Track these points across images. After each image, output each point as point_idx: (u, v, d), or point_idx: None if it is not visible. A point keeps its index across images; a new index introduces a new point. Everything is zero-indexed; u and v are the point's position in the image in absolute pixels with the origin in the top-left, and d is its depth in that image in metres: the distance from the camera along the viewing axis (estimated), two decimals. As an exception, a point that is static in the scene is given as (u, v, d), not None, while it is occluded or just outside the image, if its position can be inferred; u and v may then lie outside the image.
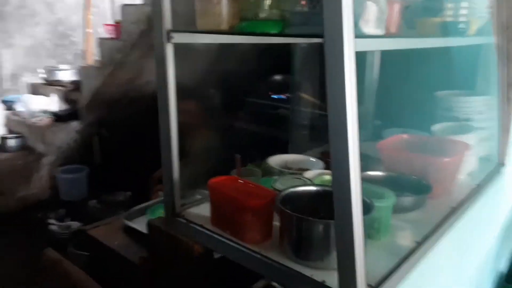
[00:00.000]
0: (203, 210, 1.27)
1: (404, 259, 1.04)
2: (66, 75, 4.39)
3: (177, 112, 2.57)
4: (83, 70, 3.94)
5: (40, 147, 3.86)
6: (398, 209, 1.21)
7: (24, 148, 3.91)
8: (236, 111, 3.46)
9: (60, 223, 3.16)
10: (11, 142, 3.84)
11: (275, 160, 1.61)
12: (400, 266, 1.01)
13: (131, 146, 3.61)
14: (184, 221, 1.23)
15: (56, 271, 1.08)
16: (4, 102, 4.17)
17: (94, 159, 3.96)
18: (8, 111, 4.10)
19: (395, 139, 1.61)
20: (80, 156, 3.97)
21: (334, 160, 0.83)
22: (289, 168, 1.53)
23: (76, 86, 4.10)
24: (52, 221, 3.20)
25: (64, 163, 3.88)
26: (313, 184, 1.26)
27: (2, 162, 3.68)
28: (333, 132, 0.82)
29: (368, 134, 1.99)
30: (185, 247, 1.24)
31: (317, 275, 0.97)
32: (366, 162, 1.48)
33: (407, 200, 1.29)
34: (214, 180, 1.21)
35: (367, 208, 1.04)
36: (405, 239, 1.17)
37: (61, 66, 4.48)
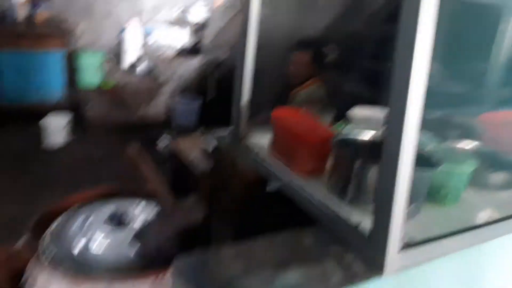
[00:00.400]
0: (264, 140, 1.28)
1: (454, 233, 0.93)
2: (197, 14, 4.66)
3: (287, 61, 2.55)
4: (211, 11, 4.15)
5: (163, 75, 4.24)
6: (487, 185, 1.14)
7: (151, 74, 4.34)
8: (350, 72, 3.34)
9: (166, 144, 3.50)
10: (141, 68, 4.28)
11: (359, 111, 1.53)
12: (443, 238, 0.90)
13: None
14: (245, 145, 1.25)
15: (133, 164, 1.19)
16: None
17: (207, 93, 4.23)
18: (143, 39, 4.55)
19: (505, 115, 1.40)
20: (195, 89, 4.28)
21: (392, 105, 0.76)
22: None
23: (203, 25, 4.35)
24: (161, 141, 3.55)
25: (181, 92, 4.23)
26: (374, 135, 1.17)
27: (131, 83, 4.15)
28: (396, 78, 0.75)
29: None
30: (241, 172, 1.28)
31: (354, 218, 0.92)
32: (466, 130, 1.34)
33: (498, 177, 1.13)
34: (279, 111, 1.20)
35: (428, 164, 0.94)
36: (473, 215, 1.03)
37: (194, 6, 4.76)
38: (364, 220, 0.89)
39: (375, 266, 0.84)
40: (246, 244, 0.87)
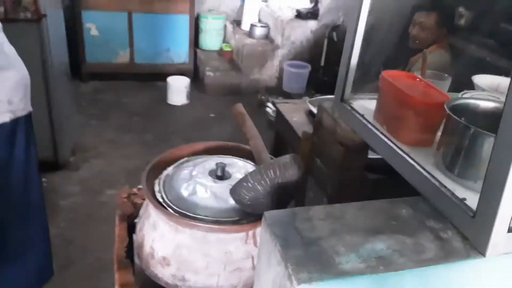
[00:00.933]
0: (371, 104, 1.22)
1: None
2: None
3: (408, 23, 2.35)
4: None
5: (278, 39, 4.26)
6: None
7: (266, 37, 4.40)
8: (480, 36, 2.95)
9: (273, 106, 3.57)
10: (258, 31, 4.36)
11: (484, 79, 1.36)
12: None
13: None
14: (349, 108, 1.21)
15: (238, 122, 1.25)
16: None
17: (319, 60, 4.15)
18: (262, 3, 4.59)
19: None
20: (308, 54, 4.23)
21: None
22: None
23: (321, -13, 4.21)
24: (269, 104, 3.64)
25: (293, 57, 4.22)
26: (497, 101, 1.02)
27: (247, 45, 4.26)
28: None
29: None
30: (343, 136, 1.24)
31: (459, 192, 0.84)
32: None
33: None
34: (389, 72, 1.12)
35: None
36: None
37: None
38: (470, 196, 0.81)
39: (478, 245, 0.76)
40: (338, 207, 0.85)
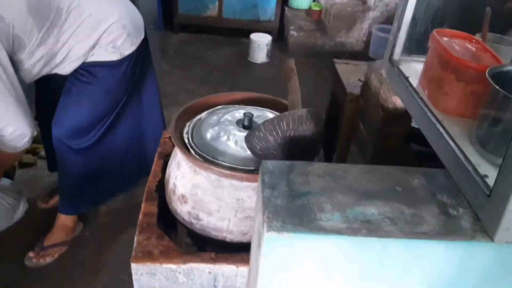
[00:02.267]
0: (420, 67, 1.10)
1: None
2: None
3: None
4: None
5: (370, 1, 3.99)
6: None
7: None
8: None
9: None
10: (350, -9, 4.10)
11: None
12: None
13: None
14: (396, 69, 1.11)
15: (286, 78, 1.23)
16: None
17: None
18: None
19: None
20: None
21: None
22: None
23: None
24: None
25: (385, 21, 3.93)
26: None
27: (337, 5, 4.06)
28: None
29: None
30: (385, 98, 1.15)
31: (483, 168, 0.74)
32: None
33: None
34: (444, 30, 1.00)
35: None
36: None
37: None
38: (494, 175, 0.71)
39: (488, 228, 0.67)
40: (342, 167, 0.81)
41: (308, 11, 4.42)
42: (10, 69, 1.36)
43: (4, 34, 1.32)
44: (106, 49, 1.54)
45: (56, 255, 1.86)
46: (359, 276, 0.69)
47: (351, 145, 1.39)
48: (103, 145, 1.75)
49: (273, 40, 4.01)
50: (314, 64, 3.99)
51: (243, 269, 1.02)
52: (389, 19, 3.93)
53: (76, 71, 1.56)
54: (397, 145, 1.17)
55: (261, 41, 3.88)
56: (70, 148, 1.66)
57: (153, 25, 3.14)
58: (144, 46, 1.69)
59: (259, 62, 3.95)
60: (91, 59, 1.54)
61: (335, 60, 1.69)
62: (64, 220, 1.90)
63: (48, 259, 1.83)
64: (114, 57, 1.56)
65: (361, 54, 4.00)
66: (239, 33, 4.31)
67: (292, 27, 4.12)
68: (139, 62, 1.69)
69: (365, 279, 0.69)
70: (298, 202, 0.71)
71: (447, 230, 0.69)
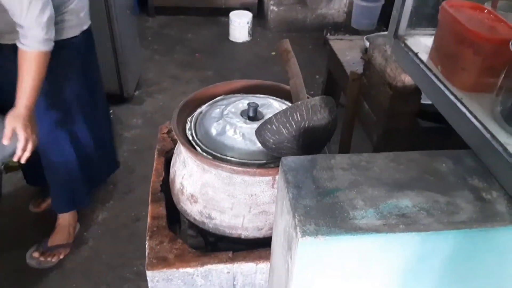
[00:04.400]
0: (430, 41, 1.06)
1: None
2: None
3: None
4: None
5: (349, -31, 3.90)
6: None
7: (337, -32, 4.03)
8: None
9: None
10: (328, -40, 3.99)
11: None
12: None
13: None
14: (402, 45, 1.06)
15: (283, 59, 1.17)
16: None
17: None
18: None
19: None
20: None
21: None
22: None
23: None
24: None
25: (365, -10, 3.85)
26: None
27: (315, -23, 3.95)
28: None
29: None
30: (393, 76, 1.11)
31: (514, 149, 0.71)
32: None
33: None
34: (453, 1, 0.95)
35: None
36: None
37: None
38: (528, 154, 0.68)
39: (527, 212, 0.65)
40: (366, 156, 0.77)
41: (287, -16, 4.29)
42: None
43: None
44: None
45: (61, 256, 1.81)
46: (398, 272, 0.66)
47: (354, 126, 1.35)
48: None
49: (253, 17, 3.90)
50: (297, 38, 3.92)
51: (262, 266, 0.99)
52: (370, -14, 3.85)
53: None
54: (407, 124, 1.14)
55: (241, 20, 3.77)
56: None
57: (130, 10, 3.00)
58: None
59: (241, 41, 3.85)
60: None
61: (328, 37, 1.64)
62: (65, 220, 1.85)
63: (54, 260, 1.79)
64: None
65: (344, 26, 3.93)
66: (218, 12, 4.18)
67: (271, 2, 4.01)
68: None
69: (405, 274, 0.66)
70: (327, 201, 0.67)
71: (485, 217, 0.66)
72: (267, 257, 0.97)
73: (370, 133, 1.26)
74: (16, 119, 1.29)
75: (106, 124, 2.01)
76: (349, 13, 3.94)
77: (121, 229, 2.02)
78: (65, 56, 1.50)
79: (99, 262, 1.87)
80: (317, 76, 3.26)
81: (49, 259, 1.78)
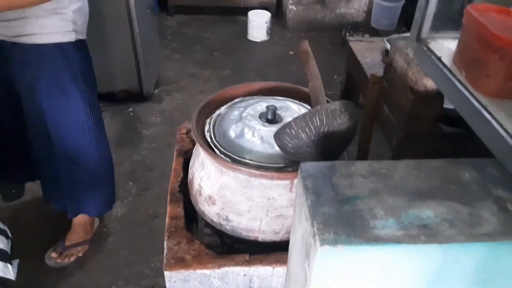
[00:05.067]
0: (453, 45, 1.03)
1: None
2: None
3: None
4: None
5: (371, -32, 3.85)
6: None
7: (358, -34, 3.98)
8: None
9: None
10: (349, -42, 3.95)
11: None
12: None
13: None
14: (425, 48, 1.04)
15: (302, 61, 1.16)
16: None
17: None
18: None
19: None
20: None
21: None
22: None
23: None
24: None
25: (386, -11, 3.80)
26: None
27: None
28: None
29: None
30: (415, 80, 1.09)
31: (541, 159, 0.69)
32: None
33: None
34: (478, 5, 0.92)
35: None
36: None
37: None
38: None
39: (554, 225, 0.63)
40: (387, 164, 0.76)
41: (306, -17, 4.27)
42: None
43: None
44: None
45: (80, 254, 1.84)
46: (419, 285, 0.65)
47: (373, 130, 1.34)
48: None
49: (271, 16, 3.89)
50: (315, 38, 3.89)
51: (279, 269, 0.99)
52: (391, -14, 3.79)
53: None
54: (428, 129, 1.12)
55: (259, 19, 3.77)
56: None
57: (150, 9, 3.03)
58: None
59: (259, 40, 3.84)
60: None
61: (348, 38, 1.62)
62: (81, 218, 1.87)
63: (72, 259, 1.82)
64: None
65: (363, 25, 3.88)
66: (237, 11, 4.18)
67: (290, 1, 3.99)
68: None
69: (427, 287, 0.65)
70: (347, 209, 0.67)
71: (509, 229, 0.64)
72: (284, 261, 0.97)
73: (390, 137, 1.24)
74: None
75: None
76: (368, 13, 3.89)
77: (139, 226, 2.05)
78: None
79: (117, 258, 1.90)
80: (335, 76, 3.23)
81: (66, 260, 1.80)
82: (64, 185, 1.71)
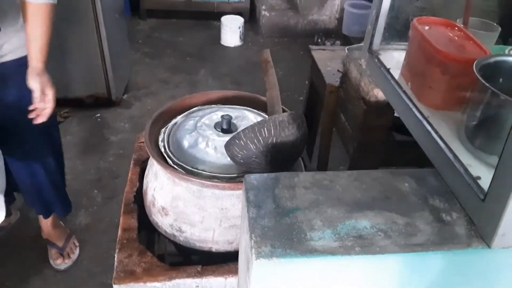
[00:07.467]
0: (402, 57, 1.06)
1: None
2: None
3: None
4: None
5: (341, -25, 3.91)
6: None
7: (329, -26, 4.04)
8: None
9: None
10: (320, -34, 4.00)
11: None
12: None
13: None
14: (376, 60, 1.07)
15: (263, 69, 1.17)
16: None
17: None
18: None
19: None
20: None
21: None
22: None
23: None
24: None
25: (357, -3, 3.87)
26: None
27: (307, -17, 3.96)
28: None
29: None
30: (366, 90, 1.11)
31: (475, 169, 0.71)
32: None
33: None
34: (425, 18, 0.95)
35: None
36: None
37: None
38: (486, 176, 0.68)
39: (484, 234, 0.65)
40: (330, 175, 0.77)
41: (279, -11, 4.30)
42: None
43: None
44: None
45: (77, 244, 1.89)
46: (355, 295, 0.66)
47: (332, 137, 1.35)
48: None
49: (245, 22, 3.90)
50: (288, 44, 3.92)
51: (232, 280, 0.98)
52: (362, -7, 3.86)
53: None
54: (381, 137, 1.14)
55: (232, 24, 3.77)
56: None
57: (119, 13, 2.99)
58: None
59: (232, 45, 3.84)
60: None
61: (311, 46, 1.63)
62: (47, 221, 1.84)
63: (75, 251, 1.86)
64: None
65: (335, 32, 3.94)
66: (210, 16, 4.17)
67: (263, 7, 4.01)
68: None
69: (362, 298, 0.66)
70: (286, 221, 0.67)
71: (442, 239, 0.66)
72: (236, 272, 0.97)
73: (347, 145, 1.26)
74: (41, 77, 1.26)
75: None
76: (340, 20, 3.95)
77: (103, 235, 2.01)
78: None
79: (80, 268, 1.86)
80: (306, 82, 3.26)
81: (71, 256, 1.84)
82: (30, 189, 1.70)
